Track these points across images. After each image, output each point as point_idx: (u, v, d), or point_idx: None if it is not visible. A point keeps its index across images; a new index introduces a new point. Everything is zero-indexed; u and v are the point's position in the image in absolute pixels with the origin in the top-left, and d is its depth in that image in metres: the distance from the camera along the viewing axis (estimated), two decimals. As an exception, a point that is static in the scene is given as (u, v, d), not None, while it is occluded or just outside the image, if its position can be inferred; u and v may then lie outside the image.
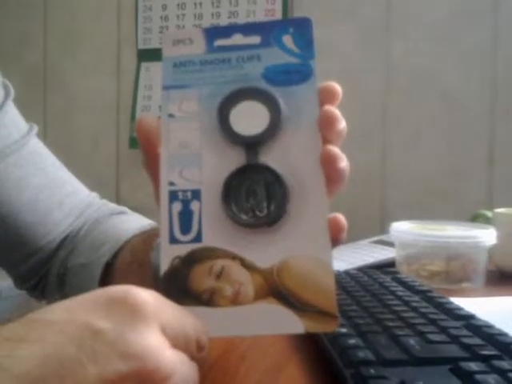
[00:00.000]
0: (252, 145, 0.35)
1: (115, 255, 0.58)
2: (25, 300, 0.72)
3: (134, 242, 0.58)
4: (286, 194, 0.34)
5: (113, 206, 0.67)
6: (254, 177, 0.35)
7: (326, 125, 0.35)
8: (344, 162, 0.35)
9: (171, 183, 0.35)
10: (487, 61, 1.54)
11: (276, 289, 0.33)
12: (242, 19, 1.74)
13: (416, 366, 0.35)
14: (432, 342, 0.38)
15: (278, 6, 1.69)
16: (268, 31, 0.37)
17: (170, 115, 0.36)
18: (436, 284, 0.69)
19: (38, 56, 1.95)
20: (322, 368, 0.40)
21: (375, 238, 0.96)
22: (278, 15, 1.69)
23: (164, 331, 0.27)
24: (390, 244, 0.83)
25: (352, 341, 0.38)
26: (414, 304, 0.48)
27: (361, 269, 0.69)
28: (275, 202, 0.34)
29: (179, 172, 0.35)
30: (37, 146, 0.63)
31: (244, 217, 0.34)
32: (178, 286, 0.33)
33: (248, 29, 0.37)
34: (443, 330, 0.40)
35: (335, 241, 0.34)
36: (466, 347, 0.37)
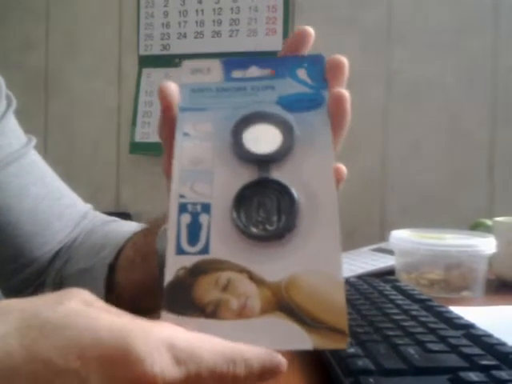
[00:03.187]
0: (264, 162, 0.36)
1: (117, 256, 0.58)
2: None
3: (136, 239, 0.59)
4: (297, 209, 0.34)
5: (105, 216, 0.68)
6: (265, 190, 0.35)
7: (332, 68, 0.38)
8: (349, 104, 0.37)
9: (182, 196, 0.35)
10: (488, 69, 1.55)
11: (284, 303, 0.32)
12: (243, 27, 1.74)
13: (415, 376, 0.35)
14: (431, 351, 0.38)
15: (280, 14, 1.70)
16: (283, 65, 0.39)
17: (185, 134, 0.37)
18: (435, 293, 0.69)
19: (39, 61, 1.96)
20: (321, 376, 0.40)
21: (375, 246, 0.96)
22: (280, 23, 1.69)
23: None
24: (390, 252, 0.83)
25: (351, 349, 0.38)
26: (414, 313, 0.48)
27: (360, 276, 0.69)
28: (285, 215, 0.34)
29: (190, 186, 0.35)
30: (36, 157, 0.63)
31: (253, 230, 0.34)
32: (182, 296, 0.32)
33: (264, 62, 0.39)
34: (442, 339, 0.40)
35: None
36: (466, 357, 0.37)
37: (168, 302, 0.30)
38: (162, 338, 0.27)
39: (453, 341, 0.40)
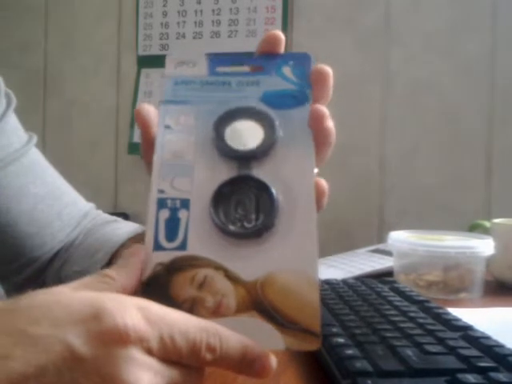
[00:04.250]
0: (245, 158, 0.35)
1: (110, 261, 0.58)
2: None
3: (129, 244, 0.58)
4: (275, 207, 0.34)
5: (106, 215, 0.67)
6: (244, 188, 0.35)
7: (317, 81, 0.37)
8: (331, 123, 0.36)
9: (161, 191, 0.35)
10: (485, 71, 1.55)
11: (259, 303, 0.32)
12: (242, 27, 1.74)
13: (413, 378, 0.35)
14: (429, 353, 0.38)
15: (278, 15, 1.70)
16: (269, 62, 0.38)
17: (167, 126, 0.37)
18: (433, 294, 0.69)
19: (38, 61, 1.96)
20: (318, 378, 0.40)
21: (373, 247, 0.96)
22: (278, 24, 1.69)
23: (152, 351, 0.27)
24: (388, 253, 0.83)
25: (349, 351, 0.38)
26: (412, 314, 0.48)
27: (358, 278, 0.69)
28: (264, 214, 0.34)
29: (170, 181, 0.35)
30: (36, 156, 0.63)
31: (232, 227, 0.34)
32: (159, 293, 0.32)
33: (251, 60, 0.39)
34: (440, 340, 0.40)
35: (318, 206, 0.34)
36: (463, 359, 0.37)
37: (145, 298, 0.30)
38: (133, 302, 0.28)
39: (451, 342, 0.40)
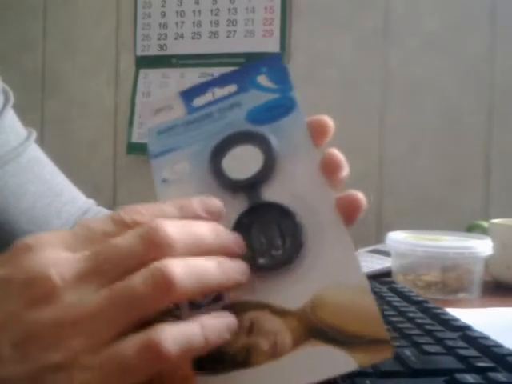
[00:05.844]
0: (252, 186, 0.33)
1: None
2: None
3: None
4: (299, 225, 0.32)
5: (107, 212, 0.67)
6: (261, 216, 0.33)
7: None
8: (346, 171, 0.33)
9: None
10: (484, 71, 1.55)
11: (315, 328, 0.30)
12: (240, 27, 1.74)
13: (411, 378, 0.35)
14: (428, 353, 0.38)
15: (277, 15, 1.70)
16: (242, 77, 0.36)
17: (164, 180, 0.35)
18: (432, 294, 0.69)
19: (36, 60, 1.95)
20: (317, 378, 0.40)
21: (371, 248, 0.96)
22: (277, 24, 1.69)
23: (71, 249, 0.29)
24: (386, 253, 0.83)
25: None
26: (410, 314, 0.48)
27: (357, 278, 0.68)
28: (289, 236, 0.32)
29: None
30: (35, 152, 0.62)
31: (261, 260, 0.32)
32: (208, 352, 0.29)
33: (222, 80, 0.37)
34: (439, 341, 0.40)
35: (349, 221, 0.32)
36: (462, 359, 0.37)
37: (197, 361, 0.28)
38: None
39: (449, 343, 0.40)
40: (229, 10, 1.76)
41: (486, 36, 1.55)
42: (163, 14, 1.83)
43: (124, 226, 0.30)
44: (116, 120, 1.88)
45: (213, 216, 0.32)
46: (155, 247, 0.28)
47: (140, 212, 0.30)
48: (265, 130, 0.35)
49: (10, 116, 0.61)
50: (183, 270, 0.28)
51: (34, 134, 0.62)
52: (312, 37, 1.66)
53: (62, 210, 0.62)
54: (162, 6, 1.83)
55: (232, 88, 0.36)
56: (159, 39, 1.83)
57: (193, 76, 1.77)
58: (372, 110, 1.63)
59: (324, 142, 0.34)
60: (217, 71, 1.71)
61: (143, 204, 0.31)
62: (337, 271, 0.31)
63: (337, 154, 0.33)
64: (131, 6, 1.86)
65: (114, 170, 1.88)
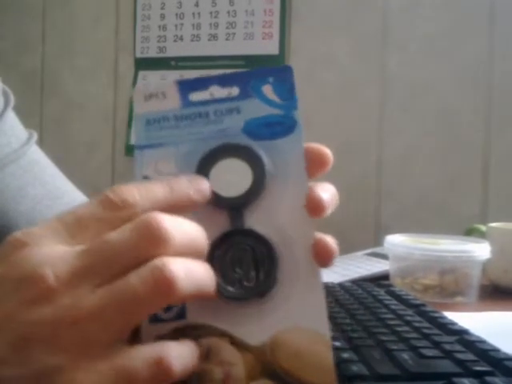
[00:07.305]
0: (236, 207, 0.32)
1: None
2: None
3: None
4: (276, 261, 0.31)
5: None
6: (239, 243, 0.31)
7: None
8: (329, 210, 0.32)
9: None
10: (483, 74, 1.55)
11: (270, 368, 0.30)
12: (239, 30, 1.75)
13: (409, 381, 0.35)
14: (425, 357, 0.38)
15: (276, 18, 1.70)
16: (246, 81, 0.34)
17: (145, 177, 0.34)
18: (429, 298, 0.69)
19: (35, 62, 1.95)
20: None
21: (369, 251, 0.96)
22: (276, 26, 1.69)
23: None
24: (384, 257, 0.83)
25: (345, 355, 0.38)
26: (408, 318, 0.48)
27: (355, 281, 0.69)
28: (264, 270, 0.31)
29: None
30: (36, 154, 0.62)
31: (231, 289, 0.31)
32: None
33: (225, 80, 0.34)
34: (436, 344, 0.40)
35: (323, 265, 0.31)
36: (459, 363, 0.37)
37: None
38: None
39: (447, 346, 0.40)
40: (228, 12, 1.76)
41: (485, 39, 1.55)
42: (162, 16, 1.83)
43: (114, 208, 0.29)
44: (115, 121, 1.88)
45: (202, 196, 0.31)
46: (153, 243, 0.27)
47: (130, 193, 0.30)
48: (260, 146, 0.33)
49: (11, 118, 0.61)
50: (183, 270, 0.27)
51: (35, 136, 0.62)
52: (311, 39, 1.66)
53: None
54: (162, 8, 1.83)
55: (234, 91, 0.34)
56: (158, 41, 1.83)
57: (192, 78, 1.77)
58: (370, 112, 1.63)
59: (318, 174, 0.33)
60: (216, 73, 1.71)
61: (131, 184, 0.31)
62: (303, 315, 0.30)
63: (323, 195, 0.31)
64: (130, 8, 1.86)
65: (112, 172, 1.87)
